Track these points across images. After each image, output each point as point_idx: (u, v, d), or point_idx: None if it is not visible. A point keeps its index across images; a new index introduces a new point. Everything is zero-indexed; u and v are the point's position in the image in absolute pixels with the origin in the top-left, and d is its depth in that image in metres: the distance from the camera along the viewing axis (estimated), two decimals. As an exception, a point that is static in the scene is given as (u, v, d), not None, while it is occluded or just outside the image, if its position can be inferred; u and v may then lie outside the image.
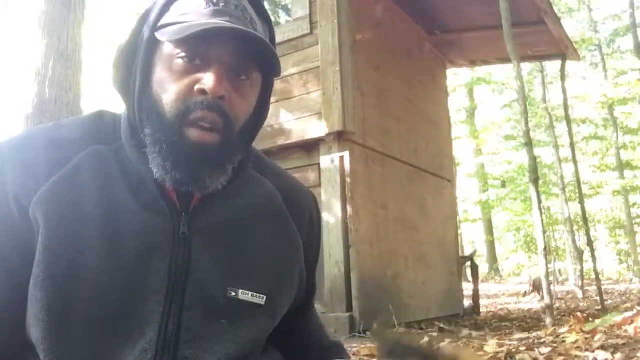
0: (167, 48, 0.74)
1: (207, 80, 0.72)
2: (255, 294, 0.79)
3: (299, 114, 4.77)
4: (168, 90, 0.74)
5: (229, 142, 0.75)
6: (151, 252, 0.74)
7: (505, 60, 6.77)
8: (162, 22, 0.75)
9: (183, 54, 0.73)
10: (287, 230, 0.86)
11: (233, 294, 0.77)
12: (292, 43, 4.91)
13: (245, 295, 0.78)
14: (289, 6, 5.58)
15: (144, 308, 0.73)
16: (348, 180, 4.52)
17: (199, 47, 0.73)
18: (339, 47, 4.57)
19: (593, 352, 2.67)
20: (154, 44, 0.76)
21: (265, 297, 0.80)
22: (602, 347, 2.73)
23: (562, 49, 6.69)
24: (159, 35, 0.74)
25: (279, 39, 4.95)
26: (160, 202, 0.76)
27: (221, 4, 0.74)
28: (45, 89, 4.25)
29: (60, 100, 4.29)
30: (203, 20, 0.72)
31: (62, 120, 0.84)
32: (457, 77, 16.01)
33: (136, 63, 0.77)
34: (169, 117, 0.73)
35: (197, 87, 0.73)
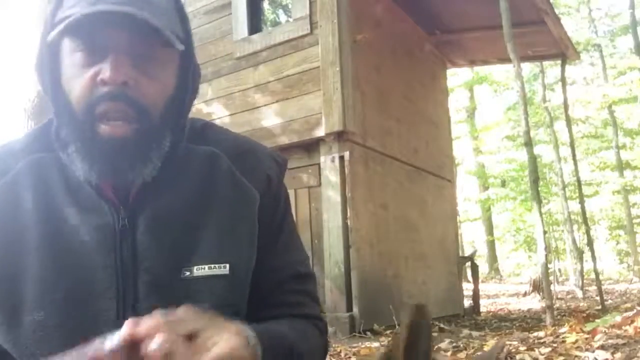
0: (66, 45, 0.73)
1: (105, 68, 0.70)
2: (214, 266, 0.77)
3: (299, 114, 4.77)
4: (74, 88, 0.73)
5: (148, 130, 0.73)
6: (94, 250, 0.74)
7: (505, 60, 6.77)
8: (57, 18, 0.73)
9: (80, 47, 0.72)
10: (237, 188, 0.82)
11: (187, 273, 0.76)
12: (292, 43, 4.91)
13: (201, 270, 0.76)
14: (289, 6, 5.58)
15: (95, 305, 0.72)
16: (348, 180, 4.52)
17: (94, 37, 0.71)
18: (339, 47, 4.57)
19: (593, 352, 2.67)
20: (56, 44, 0.74)
21: (228, 264, 0.77)
22: (602, 347, 2.73)
23: (562, 49, 6.69)
24: (50, 35, 0.72)
25: (279, 39, 4.98)
26: (98, 200, 0.76)
27: None
28: (45, 89, 4.26)
29: (60, 100, 4.30)
30: (86, 9, 0.69)
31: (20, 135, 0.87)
32: (456, 77, 16.00)
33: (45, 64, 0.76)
34: (79, 114, 0.72)
35: (98, 78, 0.71)
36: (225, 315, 0.74)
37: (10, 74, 4.41)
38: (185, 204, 0.79)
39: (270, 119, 4.90)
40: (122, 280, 0.74)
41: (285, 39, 4.93)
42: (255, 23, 5.39)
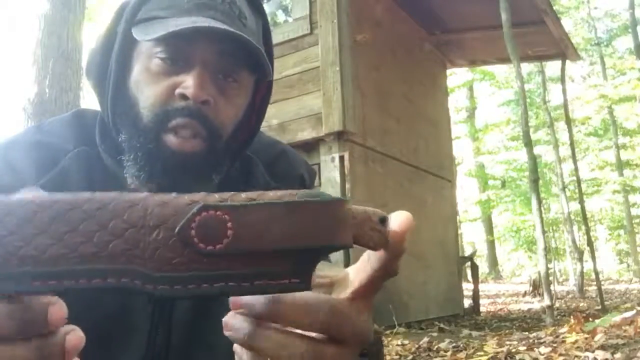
0: (146, 46, 0.68)
1: (189, 83, 0.66)
2: None
3: (299, 114, 4.77)
4: (145, 93, 0.67)
5: (215, 150, 0.68)
6: None
7: (505, 60, 6.78)
8: (140, 15, 0.68)
9: (163, 54, 0.67)
10: None
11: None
12: (292, 43, 4.91)
13: None
14: (289, 6, 5.58)
15: (127, 327, 0.67)
16: (348, 180, 4.52)
17: (181, 46, 0.67)
18: (339, 47, 4.57)
19: (593, 352, 2.67)
20: (131, 40, 0.69)
21: None
22: (602, 347, 2.73)
23: (562, 49, 6.69)
24: (135, 32, 0.67)
25: (279, 39, 4.97)
26: None
27: None
28: (45, 89, 4.25)
29: (60, 100, 4.29)
30: (184, 16, 0.65)
31: (43, 122, 0.79)
32: (456, 76, 16.00)
33: (111, 60, 0.70)
34: (145, 122, 0.67)
35: (177, 91, 0.66)
36: None
37: (10, 74, 4.41)
38: None
39: (269, 119, 4.90)
40: (160, 303, 0.68)
41: (285, 39, 4.93)
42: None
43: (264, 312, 0.33)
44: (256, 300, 0.33)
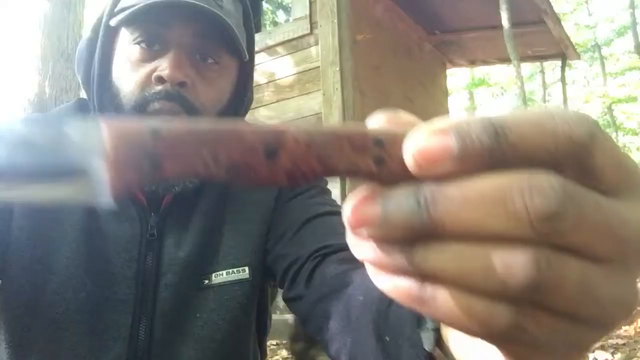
0: (124, 35, 0.69)
1: (164, 65, 0.66)
2: (232, 271, 0.72)
3: (299, 114, 4.77)
4: (126, 81, 0.68)
5: None
6: (118, 259, 0.69)
7: (505, 60, 6.77)
8: (119, 7, 0.69)
9: (139, 39, 0.67)
10: (255, 192, 0.77)
11: (207, 281, 0.72)
12: (292, 43, 4.91)
13: (219, 277, 0.72)
14: (289, 6, 5.59)
15: (111, 316, 0.68)
16: (348, 180, 4.51)
17: (156, 30, 0.67)
18: (339, 47, 4.57)
19: (593, 352, 2.67)
20: (111, 32, 0.70)
21: (247, 267, 0.73)
22: (602, 347, 2.73)
23: (562, 49, 6.70)
24: (112, 21, 0.68)
25: (279, 39, 4.98)
26: (130, 207, 0.71)
27: None
28: (45, 89, 4.25)
29: (60, 100, 4.29)
30: None
31: (51, 110, 0.82)
32: (455, 76, 16.00)
33: (96, 53, 0.72)
34: (127, 109, 0.68)
35: (154, 75, 0.66)
36: (243, 319, 0.74)
37: (10, 74, 4.41)
38: (208, 209, 0.75)
39: (269, 120, 4.90)
40: (141, 294, 0.69)
41: (285, 39, 4.93)
42: (255, 23, 5.39)
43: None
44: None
